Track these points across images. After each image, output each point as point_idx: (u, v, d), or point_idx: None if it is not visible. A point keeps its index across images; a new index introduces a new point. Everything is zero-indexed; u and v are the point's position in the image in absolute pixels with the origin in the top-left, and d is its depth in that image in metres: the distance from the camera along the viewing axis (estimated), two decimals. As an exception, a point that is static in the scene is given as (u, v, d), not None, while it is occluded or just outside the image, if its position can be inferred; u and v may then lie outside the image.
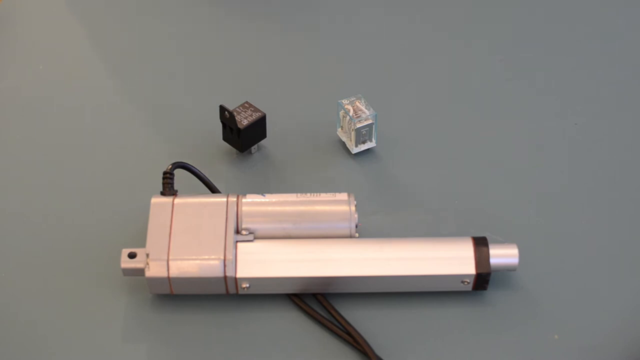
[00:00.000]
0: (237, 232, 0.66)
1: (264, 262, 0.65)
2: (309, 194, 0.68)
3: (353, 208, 0.67)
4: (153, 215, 0.66)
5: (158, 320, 0.66)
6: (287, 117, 0.81)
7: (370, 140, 0.77)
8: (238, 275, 0.64)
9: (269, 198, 0.68)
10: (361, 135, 0.76)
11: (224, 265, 0.64)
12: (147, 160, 0.77)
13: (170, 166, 0.69)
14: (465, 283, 0.65)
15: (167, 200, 0.67)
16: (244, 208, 0.67)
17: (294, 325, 0.66)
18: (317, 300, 0.66)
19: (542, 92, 0.84)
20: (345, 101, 0.76)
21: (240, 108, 0.76)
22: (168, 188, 0.68)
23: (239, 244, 0.65)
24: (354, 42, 0.90)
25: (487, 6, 0.94)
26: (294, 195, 0.68)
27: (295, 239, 0.66)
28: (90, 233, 0.71)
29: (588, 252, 0.70)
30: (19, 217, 0.73)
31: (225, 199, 0.67)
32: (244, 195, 0.68)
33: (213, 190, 0.72)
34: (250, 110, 0.75)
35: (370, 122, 0.76)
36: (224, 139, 0.77)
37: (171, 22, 0.93)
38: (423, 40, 0.90)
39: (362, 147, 0.77)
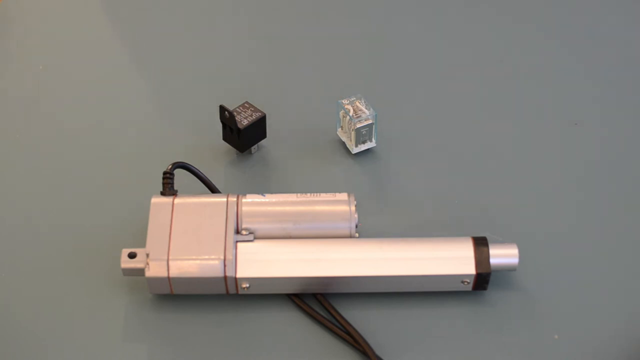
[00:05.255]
0: (237, 232, 0.66)
1: (264, 262, 0.65)
2: (309, 194, 0.68)
3: (353, 208, 0.67)
4: (153, 215, 0.66)
5: (158, 320, 0.66)
6: (287, 117, 0.81)
7: (370, 140, 0.77)
8: (238, 275, 0.64)
9: (269, 198, 0.68)
10: (361, 135, 0.76)
11: (224, 265, 0.64)
12: (147, 160, 0.77)
13: (170, 166, 0.69)
14: (465, 283, 0.65)
15: (167, 200, 0.67)
16: (244, 208, 0.67)
17: (294, 325, 0.65)
18: (317, 300, 0.66)
19: (542, 92, 0.84)
20: (345, 101, 0.76)
21: (240, 108, 0.76)
22: (168, 188, 0.68)
23: (239, 244, 0.65)
24: (354, 42, 0.90)
25: (486, 6, 0.94)
26: (294, 195, 0.68)
27: (295, 239, 0.66)
28: (91, 233, 0.71)
29: (588, 253, 0.70)
30: (19, 217, 0.73)
31: (225, 199, 0.67)
32: (244, 195, 0.68)
33: (213, 190, 0.72)
34: (250, 110, 0.75)
35: (370, 122, 0.76)
36: (224, 139, 0.77)
37: (171, 22, 0.93)
38: (423, 40, 0.90)
39: (362, 147, 0.77)
